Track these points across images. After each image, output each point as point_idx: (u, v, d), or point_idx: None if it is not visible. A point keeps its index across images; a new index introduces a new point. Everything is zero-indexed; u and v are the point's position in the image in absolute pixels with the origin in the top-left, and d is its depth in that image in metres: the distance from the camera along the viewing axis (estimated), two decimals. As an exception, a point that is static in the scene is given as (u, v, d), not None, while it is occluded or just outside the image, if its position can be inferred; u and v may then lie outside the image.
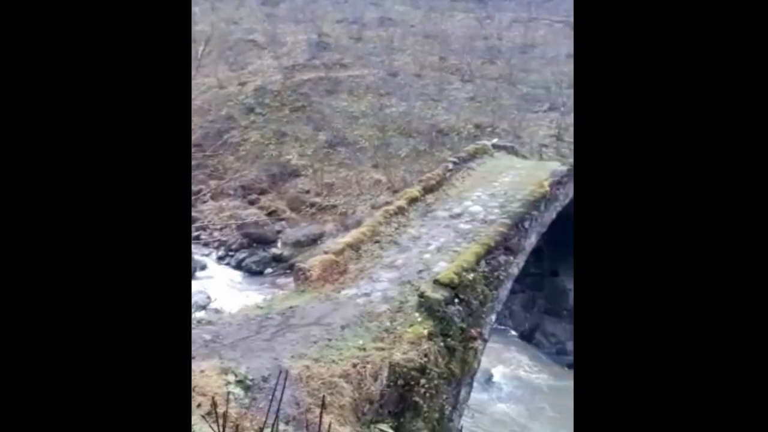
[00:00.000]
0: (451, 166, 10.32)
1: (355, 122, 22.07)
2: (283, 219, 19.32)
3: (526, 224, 8.35)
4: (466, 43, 25.16)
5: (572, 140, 18.72)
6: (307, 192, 20.00)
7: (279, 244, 18.53)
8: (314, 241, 17.95)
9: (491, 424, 11.10)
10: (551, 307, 14.54)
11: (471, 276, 7.35)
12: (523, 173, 10.24)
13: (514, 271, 8.39)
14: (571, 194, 9.45)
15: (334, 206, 18.91)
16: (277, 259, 18.00)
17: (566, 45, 24.21)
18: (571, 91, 21.19)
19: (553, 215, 9.09)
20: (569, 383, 13.11)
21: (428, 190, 9.82)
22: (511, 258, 8.12)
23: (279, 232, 18.98)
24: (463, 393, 7.58)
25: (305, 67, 24.89)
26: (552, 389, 12.71)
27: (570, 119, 19.72)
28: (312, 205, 19.53)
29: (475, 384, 13.31)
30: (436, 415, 6.45)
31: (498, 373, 13.34)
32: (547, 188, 8.69)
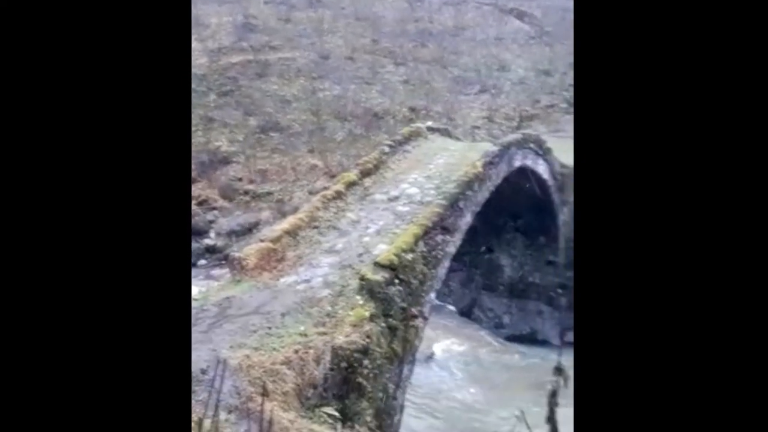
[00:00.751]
0: (387, 149, 10.34)
1: (288, 106, 21.56)
2: (215, 208, 18.64)
3: (461, 204, 8.55)
4: (397, 26, 25.16)
5: (502, 121, 19.35)
6: (240, 179, 19.38)
7: (212, 235, 17.90)
8: (249, 230, 17.49)
9: (431, 398, 11.42)
10: (488, 282, 15.08)
11: (410, 256, 7.44)
12: (456, 155, 10.44)
13: (451, 249, 8.58)
14: (501, 173, 9.76)
15: (270, 193, 18.47)
16: (211, 249, 17.41)
17: (494, 28, 24.84)
18: (500, 73, 21.82)
19: (486, 195, 9.37)
20: (506, 355, 13.73)
21: (365, 173, 9.79)
22: (448, 237, 8.29)
23: (211, 222, 18.32)
24: (405, 371, 7.71)
25: (232, 49, 23.92)
26: (489, 362, 13.26)
27: (500, 100, 20.35)
28: (246, 192, 18.96)
29: (418, 359, 13.65)
30: (380, 395, 6.52)
31: (439, 349, 13.72)
32: (480, 169, 8.93)
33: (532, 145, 10.84)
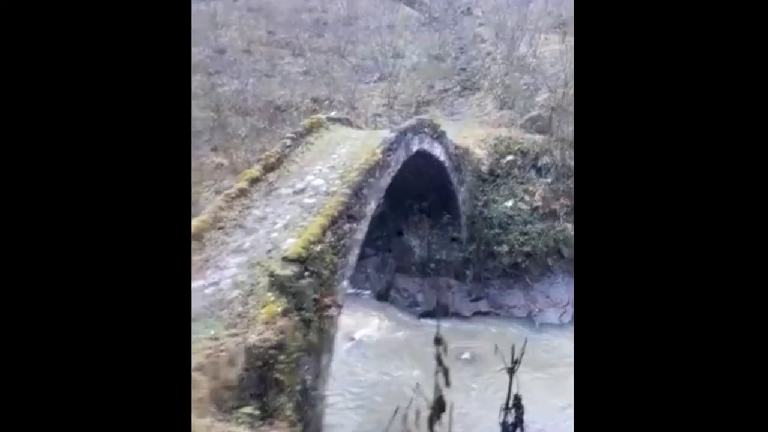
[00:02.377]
0: (289, 142, 10.34)
1: (184, 104, 20.60)
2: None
3: (365, 191, 8.81)
4: (292, 16, 24.78)
5: (401, 108, 19.89)
6: (139, 184, 18.28)
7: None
8: (154, 236, 16.61)
9: (351, 382, 11.75)
10: (401, 264, 15.62)
11: (319, 248, 7.60)
12: (358, 143, 10.67)
13: (359, 237, 8.85)
14: (401, 159, 10.15)
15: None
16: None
17: (387, 16, 25.28)
18: (395, 60, 22.31)
19: (388, 180, 9.71)
20: (420, 331, 14.40)
21: (269, 168, 9.75)
22: (355, 225, 8.54)
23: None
24: (324, 360, 7.91)
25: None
26: (407, 339, 13.85)
27: (397, 87, 20.87)
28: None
29: (338, 344, 13.92)
30: (299, 387, 6.68)
31: (359, 332, 14.09)
32: (380, 156, 9.23)
33: (426, 130, 11.33)
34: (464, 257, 14.97)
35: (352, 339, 13.87)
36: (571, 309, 14.62)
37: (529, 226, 15.07)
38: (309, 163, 10.09)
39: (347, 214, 8.43)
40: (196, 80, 21.16)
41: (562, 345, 12.99)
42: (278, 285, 6.89)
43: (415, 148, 10.87)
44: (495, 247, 14.64)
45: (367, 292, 16.32)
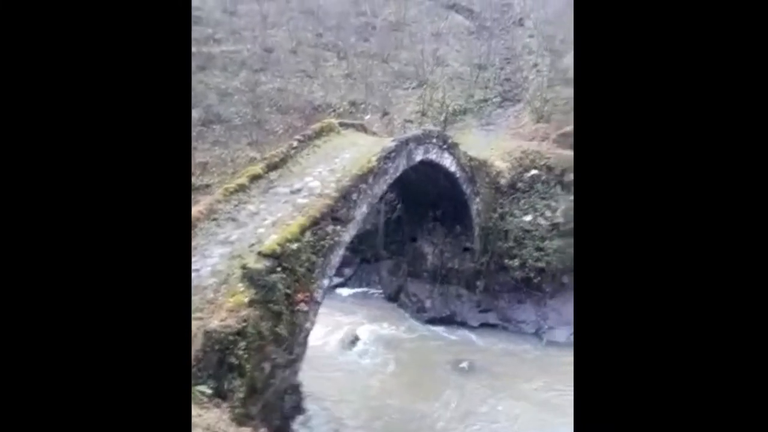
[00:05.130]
0: (296, 144, 10.83)
1: (230, 99, 21.74)
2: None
3: (354, 196, 9.12)
4: (341, 20, 25.48)
5: (435, 115, 20.02)
6: (180, 172, 19.52)
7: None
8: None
9: (347, 376, 12.09)
10: (413, 270, 15.80)
11: (295, 246, 8.01)
12: (363, 149, 10.99)
13: (345, 238, 9.18)
14: (401, 167, 10.39)
15: (208, 186, 18.68)
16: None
17: (436, 23, 25.46)
18: (437, 68, 22.44)
19: (384, 187, 9.98)
20: (424, 334, 14.55)
21: (272, 167, 10.28)
22: (339, 227, 8.88)
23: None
24: (297, 351, 8.33)
25: (176, 41, 23.81)
26: (410, 342, 14.04)
27: (435, 95, 21.01)
28: (185, 185, 19.13)
29: (342, 343, 14.24)
30: (257, 373, 7.11)
31: (364, 332, 14.42)
32: (375, 163, 9.51)
33: (434, 140, 11.48)
34: (476, 268, 14.94)
35: (356, 335, 14.25)
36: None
37: (546, 242, 14.81)
38: (312, 165, 10.54)
39: (332, 217, 8.79)
40: (242, 77, 22.33)
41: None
42: (248, 277, 7.36)
43: (418, 158, 11.06)
44: (507, 261, 14.52)
45: (379, 292, 16.67)
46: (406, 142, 10.58)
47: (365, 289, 16.90)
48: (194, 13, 26.00)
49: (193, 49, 23.56)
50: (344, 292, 16.86)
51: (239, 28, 25.11)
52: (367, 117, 21.14)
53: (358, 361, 13.04)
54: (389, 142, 10.37)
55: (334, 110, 21.47)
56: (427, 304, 15.23)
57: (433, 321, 14.99)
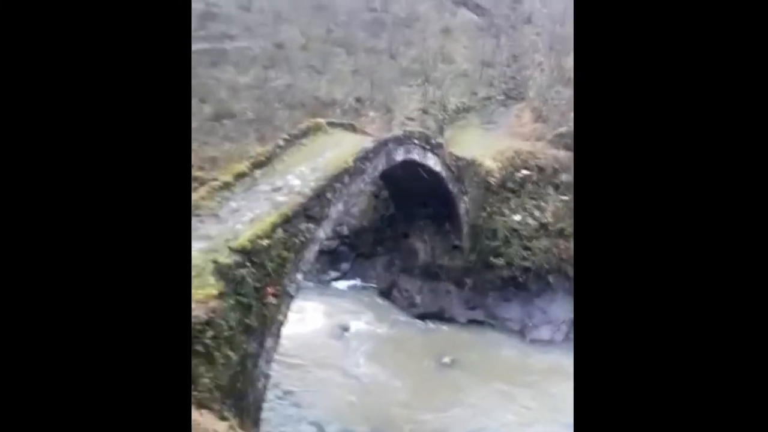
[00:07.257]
0: (282, 143, 11.34)
1: (240, 95, 22.43)
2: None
3: (329, 195, 9.59)
4: (353, 16, 25.84)
5: (436, 113, 20.28)
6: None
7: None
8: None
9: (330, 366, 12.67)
10: (405, 265, 16.23)
11: (266, 242, 8.55)
12: (347, 149, 11.43)
13: (320, 235, 9.68)
14: (379, 167, 10.80)
15: (215, 180, 19.42)
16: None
17: (446, 20, 25.57)
18: (444, 65, 22.64)
19: (361, 186, 10.41)
20: (414, 328, 15.01)
21: (257, 165, 10.82)
22: (312, 225, 9.38)
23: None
24: (269, 342, 8.90)
25: (192, 39, 24.65)
26: (397, 335, 14.53)
27: (439, 92, 21.26)
28: (194, 179, 19.93)
29: (331, 333, 14.78)
30: (222, 361, 7.69)
31: (354, 325, 14.98)
32: (351, 163, 9.96)
33: (416, 141, 11.84)
34: (465, 266, 15.28)
35: (347, 326, 14.80)
36: (565, 328, 14.51)
37: (534, 241, 15.05)
38: (295, 164, 11.04)
39: (305, 214, 9.29)
40: (253, 73, 22.98)
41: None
42: (218, 271, 7.94)
43: (399, 158, 11.45)
44: (492, 259, 14.82)
45: (374, 286, 17.17)
46: (385, 142, 10.98)
47: (361, 283, 17.42)
48: (210, 9, 26.78)
49: (207, 46, 24.32)
50: (341, 285, 17.42)
51: (253, 24, 25.73)
52: (371, 114, 21.56)
53: (345, 351, 13.60)
54: (368, 143, 10.78)
55: (340, 106, 21.94)
56: (418, 299, 15.66)
57: (422, 316, 15.42)
